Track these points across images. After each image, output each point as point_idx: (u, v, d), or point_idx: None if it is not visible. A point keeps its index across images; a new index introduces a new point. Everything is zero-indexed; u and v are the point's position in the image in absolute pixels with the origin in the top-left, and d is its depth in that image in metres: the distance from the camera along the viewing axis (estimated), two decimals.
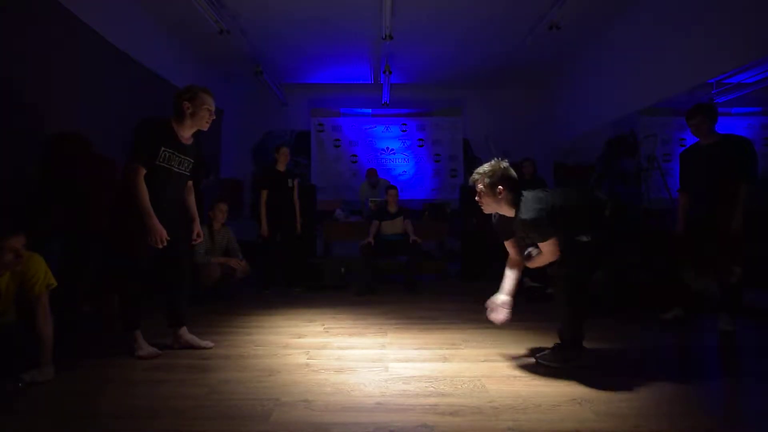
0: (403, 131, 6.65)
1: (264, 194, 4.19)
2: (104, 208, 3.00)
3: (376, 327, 2.82)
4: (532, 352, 2.26)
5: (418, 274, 4.23)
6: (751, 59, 3.09)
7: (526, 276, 3.67)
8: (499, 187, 2.00)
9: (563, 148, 5.98)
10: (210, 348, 2.33)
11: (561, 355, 2.04)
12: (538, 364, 2.04)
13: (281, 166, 4.32)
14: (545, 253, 2.01)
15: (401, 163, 6.59)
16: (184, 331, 2.35)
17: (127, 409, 1.63)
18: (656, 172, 4.17)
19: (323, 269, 4.77)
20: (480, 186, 2.04)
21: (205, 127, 2.26)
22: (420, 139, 6.59)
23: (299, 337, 2.59)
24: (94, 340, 2.54)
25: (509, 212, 2.06)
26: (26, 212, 2.68)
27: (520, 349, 2.30)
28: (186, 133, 2.22)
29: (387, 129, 6.67)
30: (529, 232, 2.00)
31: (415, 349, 2.35)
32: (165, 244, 2.09)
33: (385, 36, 4.52)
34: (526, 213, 1.94)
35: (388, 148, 6.63)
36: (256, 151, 6.83)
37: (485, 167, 2.05)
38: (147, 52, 4.14)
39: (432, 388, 1.79)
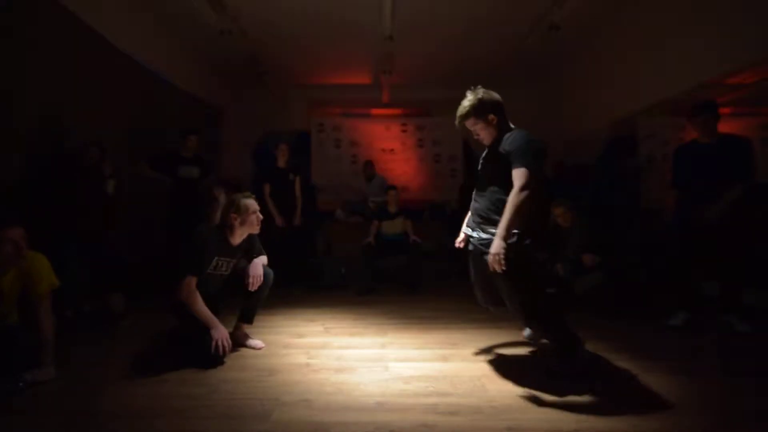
0: (403, 131, 6.65)
1: (267, 188, 4.22)
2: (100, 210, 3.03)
3: (376, 327, 2.82)
4: (532, 352, 2.26)
5: (418, 274, 4.23)
6: (750, 59, 3.09)
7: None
8: (491, 116, 1.93)
9: (563, 148, 5.98)
10: (259, 349, 2.38)
11: (565, 362, 1.93)
12: (550, 375, 1.90)
13: (281, 163, 4.35)
14: (516, 191, 1.76)
15: (401, 163, 6.59)
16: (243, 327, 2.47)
17: (127, 409, 1.63)
18: (656, 172, 4.17)
19: (323, 269, 4.77)
20: (474, 122, 1.94)
21: (257, 230, 2.36)
22: (420, 139, 6.59)
23: (299, 337, 2.59)
24: (95, 340, 2.54)
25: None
26: (31, 213, 2.68)
27: (520, 349, 2.30)
28: (237, 241, 2.32)
29: (387, 129, 6.67)
30: (512, 151, 1.84)
31: (415, 349, 2.35)
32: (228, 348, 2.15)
33: (385, 36, 4.52)
34: (519, 134, 1.87)
35: (388, 148, 6.63)
36: (256, 151, 6.83)
37: (467, 101, 1.93)
38: (147, 52, 4.14)
39: (432, 388, 1.80)
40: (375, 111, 6.67)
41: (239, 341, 2.40)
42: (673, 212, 2.90)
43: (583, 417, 1.53)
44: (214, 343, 2.05)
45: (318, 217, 5.70)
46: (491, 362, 2.10)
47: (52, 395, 1.75)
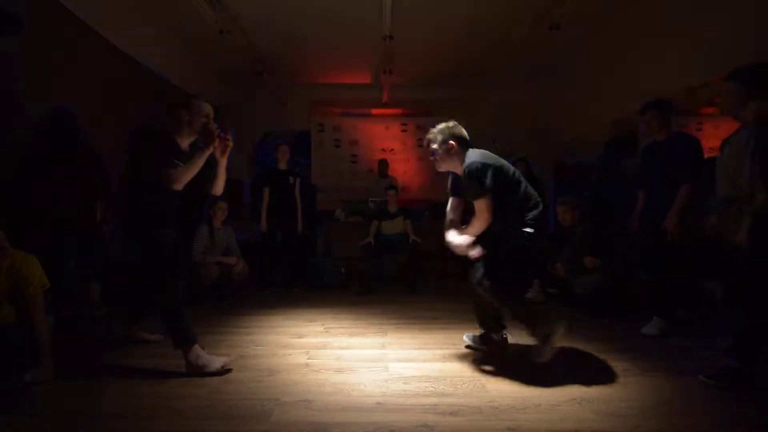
0: (403, 131, 6.65)
1: (266, 192, 4.21)
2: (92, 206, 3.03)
3: (376, 327, 2.82)
4: (532, 352, 2.26)
5: (418, 274, 4.23)
6: (750, 59, 3.08)
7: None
8: (451, 142, 2.12)
9: (563, 148, 5.98)
10: (158, 341, 2.39)
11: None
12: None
13: (282, 164, 4.35)
14: (477, 214, 2.06)
15: (402, 164, 6.59)
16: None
17: (127, 409, 1.63)
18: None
19: (323, 269, 4.77)
20: (434, 145, 2.17)
21: (195, 135, 2.21)
22: (420, 139, 6.58)
23: (299, 337, 2.59)
24: (95, 340, 2.54)
25: (460, 169, 2.12)
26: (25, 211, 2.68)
27: (520, 349, 2.30)
28: (185, 143, 2.19)
29: (387, 129, 6.67)
30: (467, 187, 2.09)
31: (415, 349, 2.35)
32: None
33: (385, 36, 4.51)
34: (468, 161, 2.04)
35: (388, 148, 6.63)
36: (256, 152, 6.83)
37: (437, 127, 2.18)
38: (147, 52, 4.14)
39: (432, 388, 1.80)
40: (375, 111, 6.67)
41: (136, 338, 2.44)
42: (636, 212, 2.91)
43: (583, 417, 1.53)
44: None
45: (318, 217, 5.70)
46: (491, 362, 2.10)
47: (52, 395, 1.75)
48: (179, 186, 2.03)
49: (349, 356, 2.23)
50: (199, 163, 2.05)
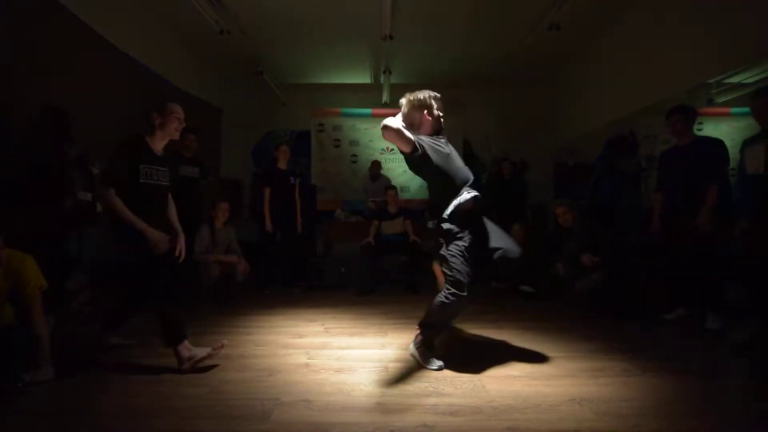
0: None
1: (267, 192, 4.21)
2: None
3: (376, 327, 2.82)
4: (532, 352, 2.26)
5: (418, 274, 4.22)
6: (750, 59, 3.09)
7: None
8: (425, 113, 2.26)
9: (563, 148, 5.98)
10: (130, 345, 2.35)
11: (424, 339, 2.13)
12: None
13: (282, 164, 4.34)
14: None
15: (401, 163, 6.57)
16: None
17: (127, 409, 1.63)
18: (656, 172, 4.15)
19: (323, 269, 4.77)
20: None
21: (176, 136, 2.24)
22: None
23: (299, 337, 2.59)
24: (94, 340, 2.54)
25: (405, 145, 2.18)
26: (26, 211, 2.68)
27: (520, 349, 2.30)
28: (158, 146, 2.20)
29: None
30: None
31: None
32: (165, 248, 2.08)
33: (385, 36, 4.51)
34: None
35: (388, 148, 6.63)
36: (256, 152, 6.83)
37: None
38: (147, 52, 4.14)
39: (432, 388, 1.80)
40: (375, 111, 6.67)
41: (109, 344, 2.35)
42: (656, 214, 2.98)
43: (583, 417, 1.53)
44: (154, 244, 2.00)
45: (318, 217, 5.70)
46: (491, 362, 2.10)
47: (52, 395, 1.75)
48: (114, 209, 2.01)
49: (349, 356, 2.22)
50: (135, 224, 2.02)
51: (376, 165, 5.89)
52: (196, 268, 3.50)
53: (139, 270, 2.09)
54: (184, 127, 2.26)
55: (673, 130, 2.84)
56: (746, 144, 2.61)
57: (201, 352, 2.03)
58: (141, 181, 2.08)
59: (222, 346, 2.09)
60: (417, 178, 6.46)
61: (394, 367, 2.05)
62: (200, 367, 2.01)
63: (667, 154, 2.99)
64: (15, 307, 1.92)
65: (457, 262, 1.96)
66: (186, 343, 2.06)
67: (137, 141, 2.13)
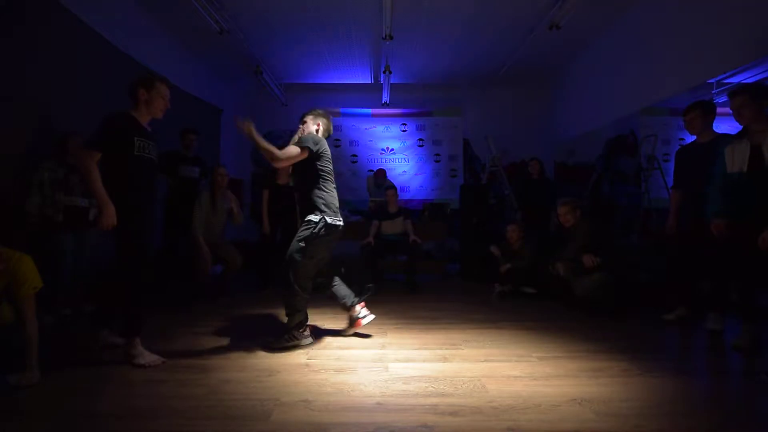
0: (403, 131, 6.64)
1: (266, 194, 4.20)
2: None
3: (376, 327, 2.81)
4: (532, 352, 2.26)
5: (418, 274, 4.22)
6: (750, 59, 3.09)
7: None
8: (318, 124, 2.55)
9: (563, 148, 5.98)
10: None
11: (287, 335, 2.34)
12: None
13: None
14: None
15: (401, 163, 6.59)
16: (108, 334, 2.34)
17: (127, 409, 1.63)
18: (656, 172, 4.17)
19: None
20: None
21: (159, 115, 2.24)
22: (420, 139, 6.59)
23: None
24: (93, 340, 2.53)
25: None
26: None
27: (520, 349, 2.30)
28: (144, 120, 2.20)
29: (387, 129, 6.67)
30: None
31: (415, 349, 2.35)
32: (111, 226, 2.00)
33: (385, 36, 4.52)
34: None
35: (388, 148, 6.63)
36: (256, 152, 6.82)
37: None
38: (147, 52, 4.14)
39: (432, 388, 1.79)
40: (375, 111, 6.68)
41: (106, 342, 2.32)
42: (673, 212, 2.91)
43: (583, 417, 1.53)
44: (105, 219, 1.94)
45: None
46: (491, 362, 2.10)
47: (52, 395, 1.75)
48: (86, 171, 1.99)
49: (349, 356, 2.22)
50: (98, 189, 1.98)
51: (381, 174, 5.80)
52: (188, 263, 3.46)
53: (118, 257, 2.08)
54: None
55: (690, 127, 2.74)
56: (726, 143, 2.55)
57: (145, 358, 2.07)
58: (135, 153, 2.09)
59: (163, 362, 2.10)
60: (417, 178, 6.59)
61: (394, 367, 2.05)
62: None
63: (684, 151, 2.87)
64: (15, 307, 1.92)
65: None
66: (138, 341, 2.10)
67: (128, 115, 2.13)
